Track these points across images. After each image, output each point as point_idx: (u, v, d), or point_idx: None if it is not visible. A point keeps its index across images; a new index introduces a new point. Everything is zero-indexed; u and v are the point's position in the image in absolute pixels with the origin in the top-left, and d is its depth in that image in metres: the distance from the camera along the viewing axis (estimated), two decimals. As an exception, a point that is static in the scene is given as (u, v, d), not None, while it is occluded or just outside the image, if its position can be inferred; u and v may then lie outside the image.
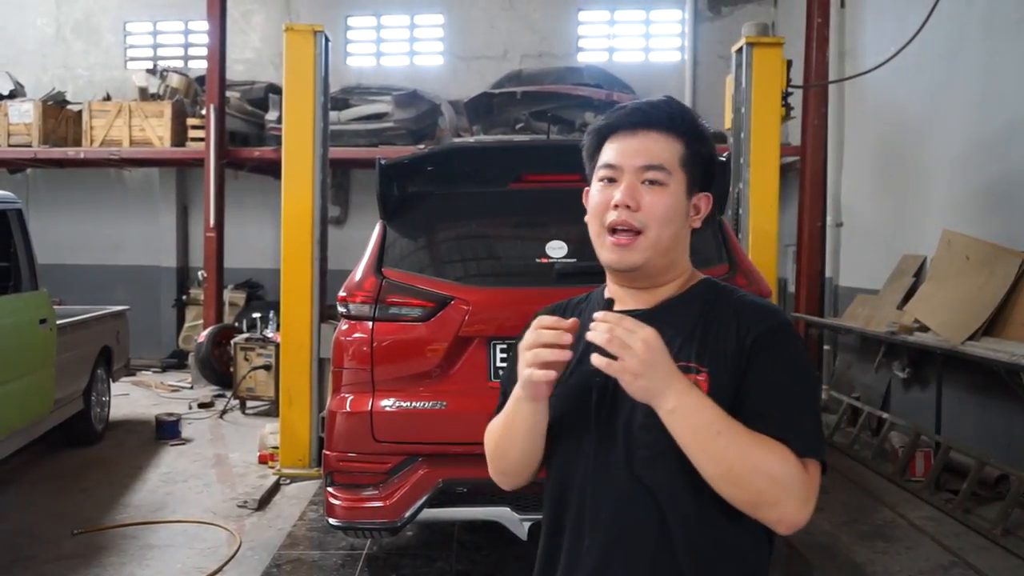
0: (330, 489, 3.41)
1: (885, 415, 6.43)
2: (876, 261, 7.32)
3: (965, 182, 6.06)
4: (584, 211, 1.41)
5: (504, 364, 3.37)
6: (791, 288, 9.04)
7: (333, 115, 10.27)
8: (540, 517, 3.22)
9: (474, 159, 3.86)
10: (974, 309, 5.43)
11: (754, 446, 1.21)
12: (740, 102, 5.77)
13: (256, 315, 8.54)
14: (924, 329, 5.96)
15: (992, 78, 5.80)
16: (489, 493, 3.33)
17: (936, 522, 4.87)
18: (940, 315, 5.88)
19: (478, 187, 3.72)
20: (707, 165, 1.40)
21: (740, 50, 5.78)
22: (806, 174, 8.13)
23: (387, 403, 3.34)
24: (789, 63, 5.92)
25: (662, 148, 1.35)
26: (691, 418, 1.21)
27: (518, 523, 3.28)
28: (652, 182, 1.34)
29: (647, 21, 11.36)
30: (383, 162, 3.59)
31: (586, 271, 3.44)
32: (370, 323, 3.38)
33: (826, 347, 8.24)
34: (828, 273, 8.34)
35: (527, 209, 3.70)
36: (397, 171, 3.69)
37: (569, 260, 3.42)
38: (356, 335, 3.41)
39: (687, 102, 10.75)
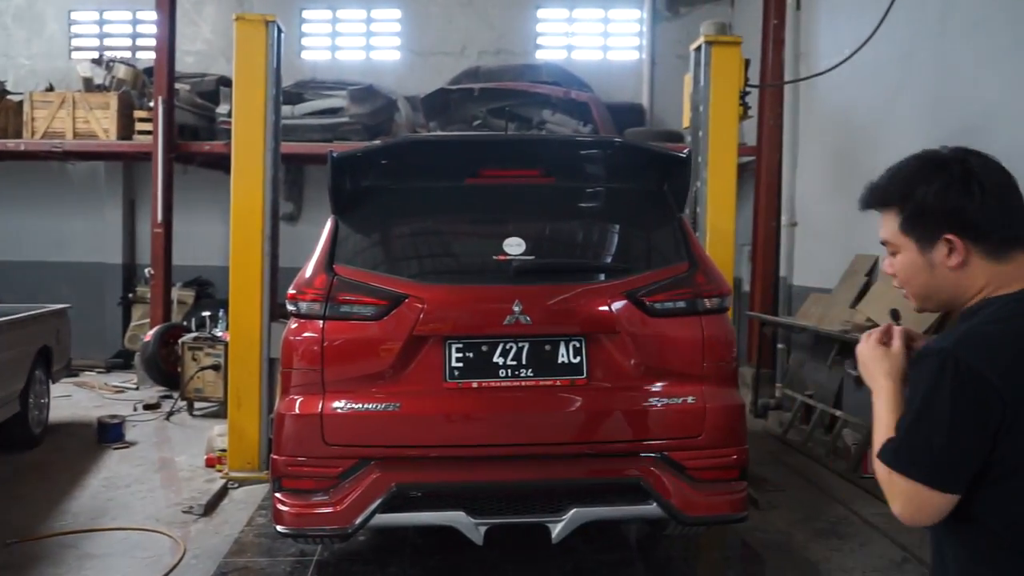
0: (278, 495, 3.28)
1: (838, 413, 6.49)
2: (829, 261, 7.39)
3: None
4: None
5: (460, 364, 3.28)
6: (746, 287, 9.11)
7: (286, 109, 10.08)
8: (496, 521, 3.17)
9: (430, 153, 3.76)
10: (926, 309, 5.48)
11: (876, 443, 1.53)
12: (698, 100, 5.75)
13: (205, 314, 8.31)
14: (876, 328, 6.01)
15: (945, 81, 5.87)
16: (444, 497, 3.24)
17: (888, 518, 4.89)
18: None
19: (434, 182, 3.63)
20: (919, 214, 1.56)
21: (699, 48, 5.76)
22: (761, 174, 8.19)
23: (338, 405, 3.23)
24: (747, 62, 5.93)
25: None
26: (875, 413, 1.56)
27: (473, 528, 3.19)
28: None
29: (606, 20, 11.36)
30: (335, 154, 3.47)
31: (545, 269, 3.39)
32: (321, 322, 3.26)
33: (780, 345, 8.31)
34: (782, 272, 8.42)
35: (484, 205, 3.62)
36: (350, 164, 3.58)
37: (527, 257, 3.35)
38: (306, 334, 3.29)
39: (645, 101, 10.83)
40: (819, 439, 6.62)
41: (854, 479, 5.65)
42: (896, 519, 1.48)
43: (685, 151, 3.82)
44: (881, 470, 1.49)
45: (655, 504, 3.24)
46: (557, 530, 3.22)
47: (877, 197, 1.60)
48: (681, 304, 3.36)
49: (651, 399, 3.29)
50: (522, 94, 9.76)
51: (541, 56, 11.19)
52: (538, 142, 3.94)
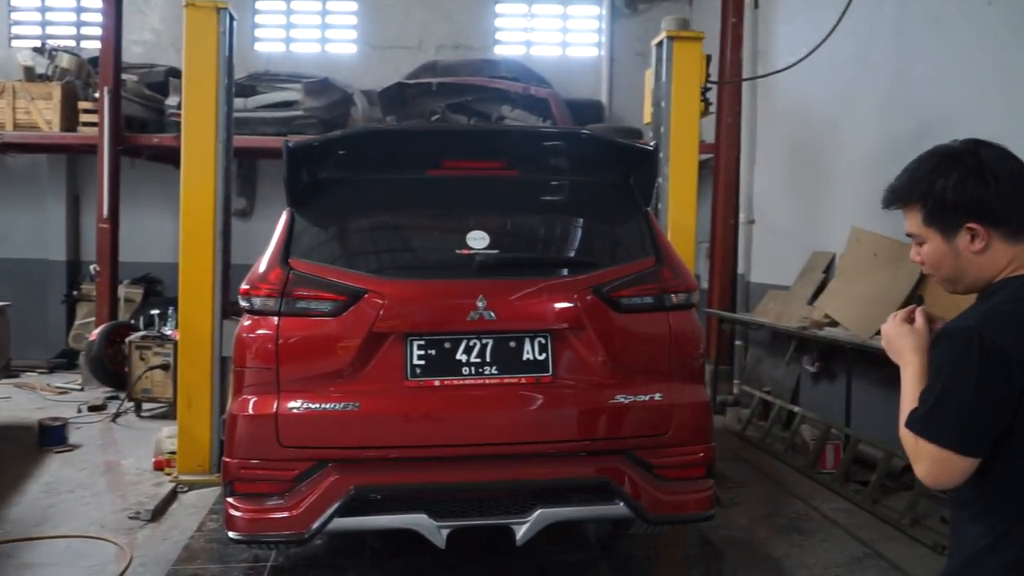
0: (230, 499, 3.14)
1: (796, 409, 6.53)
2: (787, 258, 7.45)
3: (874, 181, 5.99)
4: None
5: (421, 361, 3.18)
6: (704, 284, 9.14)
7: (239, 102, 9.80)
8: (459, 523, 3.08)
9: (391, 144, 3.63)
10: (882, 304, 5.53)
11: (903, 412, 1.65)
12: (660, 96, 5.72)
13: (155, 312, 8.04)
14: (834, 324, 6.08)
15: (901, 79, 5.93)
16: (405, 499, 3.14)
17: (848, 513, 4.93)
18: (850, 310, 6.01)
19: (394, 173, 3.51)
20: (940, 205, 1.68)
21: (660, 44, 5.73)
22: (720, 172, 8.22)
23: (294, 405, 3.10)
24: (708, 58, 5.92)
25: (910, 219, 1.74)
26: (903, 384, 1.70)
27: (435, 530, 3.09)
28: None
29: (565, 16, 11.32)
30: (291, 144, 3.33)
31: (509, 263, 3.30)
32: (275, 318, 3.13)
33: (738, 342, 8.36)
34: (740, 269, 8.46)
35: (447, 198, 3.51)
36: (307, 154, 3.44)
37: (491, 251, 3.26)
38: (260, 331, 3.15)
39: (604, 98, 10.82)
40: (777, 435, 6.65)
41: (812, 474, 5.68)
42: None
43: (652, 144, 3.76)
44: (908, 437, 1.62)
45: (622, 504, 3.17)
46: (522, 532, 3.13)
47: (900, 195, 1.73)
48: (648, 300, 3.30)
49: (618, 396, 3.22)
50: (481, 89, 9.67)
51: (500, 51, 11.11)
52: (501, 133, 3.85)
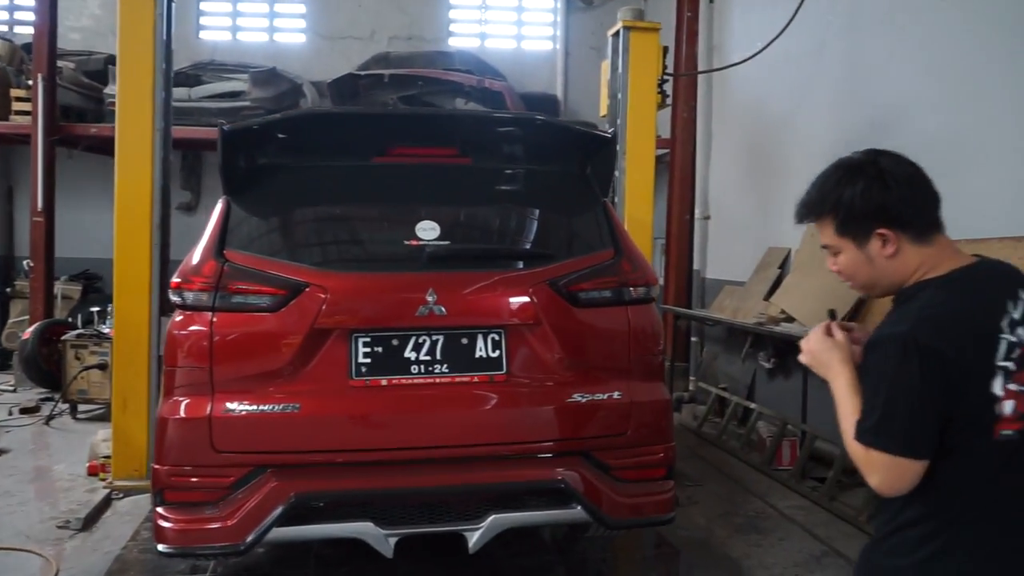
0: (160, 509, 2.91)
1: (752, 405, 6.49)
2: (743, 254, 7.42)
3: None
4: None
5: (367, 359, 3.00)
6: (660, 280, 9.07)
7: (183, 92, 9.51)
8: (408, 531, 2.91)
9: (335, 128, 3.43)
10: (837, 300, 5.51)
11: (846, 425, 1.67)
12: (616, 88, 5.61)
13: (94, 309, 7.70)
14: (790, 320, 6.04)
15: (856, 74, 5.92)
16: (349, 507, 2.95)
17: (805, 511, 4.89)
18: (805, 306, 5.98)
19: (340, 160, 3.31)
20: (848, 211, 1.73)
21: (617, 34, 5.62)
22: (675, 167, 8.16)
23: (230, 407, 2.89)
24: (665, 49, 5.83)
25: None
26: (837, 397, 1.72)
27: (383, 539, 2.91)
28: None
29: (519, 8, 11.20)
30: (227, 127, 3.12)
31: (461, 255, 3.14)
32: (209, 314, 2.91)
33: (693, 339, 8.32)
34: (696, 266, 8.42)
35: (395, 186, 3.33)
36: (244, 139, 3.23)
37: (442, 243, 3.09)
38: (192, 328, 2.93)
39: (559, 93, 10.72)
40: (734, 432, 6.61)
41: (769, 471, 5.63)
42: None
43: (610, 131, 3.63)
44: (858, 450, 1.63)
45: (579, 508, 3.03)
46: (474, 538, 2.97)
47: (812, 209, 1.79)
48: (606, 293, 3.16)
49: (575, 395, 3.08)
50: (434, 81, 9.50)
51: (454, 43, 10.94)
52: (453, 119, 3.67)
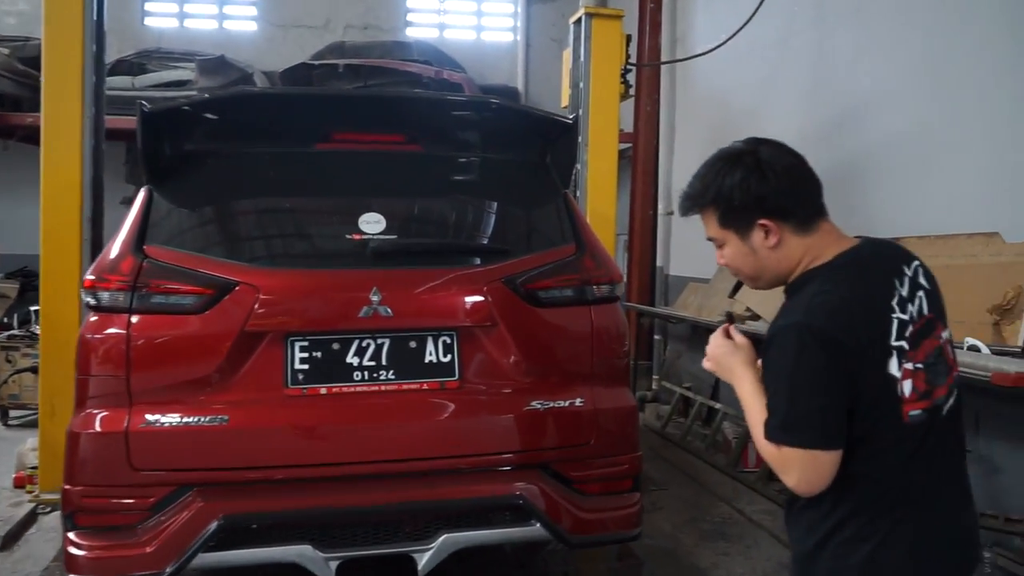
0: (71, 535, 2.61)
1: (717, 405, 6.33)
2: (707, 250, 6.97)
3: None
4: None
5: (305, 366, 2.73)
6: (624, 278, 8.94)
7: (126, 80, 9.12)
8: (350, 554, 2.64)
9: (272, 111, 3.12)
10: (805, 297, 5.41)
11: (755, 428, 1.64)
12: (578, 77, 5.41)
13: (33, 308, 7.27)
14: (756, 318, 5.90)
15: (823, 66, 5.81)
16: (285, 528, 2.67)
17: (772, 516, 4.73)
18: (771, 304, 5.84)
19: (276, 146, 3.03)
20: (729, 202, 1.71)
21: (579, 21, 5.42)
22: (638, 161, 7.98)
23: (149, 420, 2.59)
24: (628, 37, 5.63)
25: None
26: (743, 402, 1.70)
27: (323, 563, 2.64)
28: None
29: (479, -1, 10.95)
30: (147, 109, 2.81)
31: (409, 250, 2.89)
32: (126, 316, 2.61)
33: (657, 337, 8.16)
34: (659, 262, 8.27)
35: (337, 175, 3.05)
36: (168, 121, 2.93)
37: (388, 237, 2.83)
38: (107, 332, 2.63)
39: (520, 84, 10.52)
40: (698, 432, 6.45)
41: (735, 474, 5.48)
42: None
43: (572, 115, 3.39)
44: (770, 449, 1.59)
45: (538, 525, 2.79)
46: (424, 560, 2.72)
47: (695, 202, 1.77)
48: (568, 292, 2.92)
49: (533, 403, 2.84)
50: (391, 72, 9.19)
51: (412, 34, 10.65)
52: (402, 101, 3.39)
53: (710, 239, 1.79)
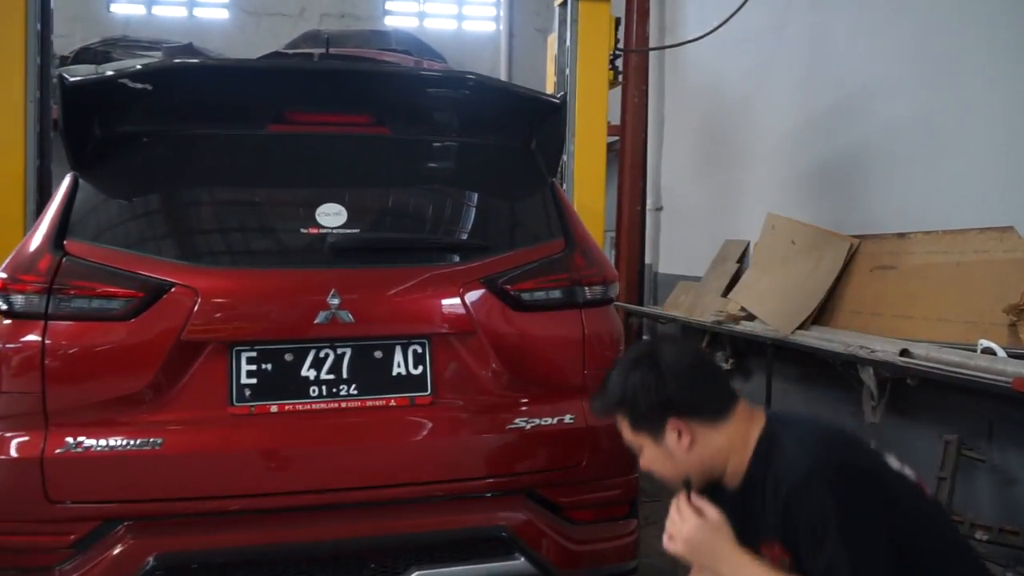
0: (-24, 579, 2.25)
1: (711, 410, 6.08)
2: (698, 247, 7.11)
3: (790, 164, 5.91)
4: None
5: (253, 380, 2.38)
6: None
7: (90, 69, 8.73)
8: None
9: (216, 86, 2.76)
10: (802, 296, 5.19)
11: None
12: (564, 63, 5.16)
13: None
14: (750, 318, 5.67)
15: (818, 54, 5.65)
16: (230, 568, 2.33)
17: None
18: (767, 303, 5.61)
19: (222, 127, 2.68)
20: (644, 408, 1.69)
21: (564, 4, 5.16)
22: (626, 155, 7.72)
23: (69, 443, 2.24)
24: (617, 21, 5.37)
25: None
26: None
27: (274, 607, 2.30)
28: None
29: (460, -13, 10.66)
30: (69, 81, 2.45)
31: (373, 246, 2.55)
32: (42, 322, 2.26)
33: (645, 338, 7.93)
34: (648, 260, 8.07)
35: (291, 160, 2.71)
36: (94, 97, 2.56)
37: (349, 231, 2.48)
38: (20, 341, 2.27)
39: (503, 75, 10.29)
40: (690, 438, 6.18)
41: (731, 484, 5.20)
42: None
43: (560, 94, 3.07)
44: None
45: (522, 559, 2.47)
46: (392, 601, 2.39)
47: (606, 407, 1.77)
48: (556, 294, 2.59)
49: (517, 420, 2.51)
50: (369, 62, 8.89)
51: (391, 23, 10.36)
52: (368, 76, 3.03)
53: (627, 444, 1.77)
